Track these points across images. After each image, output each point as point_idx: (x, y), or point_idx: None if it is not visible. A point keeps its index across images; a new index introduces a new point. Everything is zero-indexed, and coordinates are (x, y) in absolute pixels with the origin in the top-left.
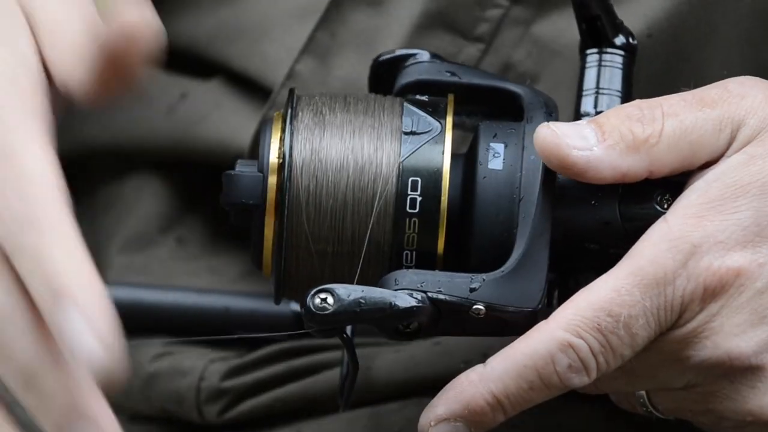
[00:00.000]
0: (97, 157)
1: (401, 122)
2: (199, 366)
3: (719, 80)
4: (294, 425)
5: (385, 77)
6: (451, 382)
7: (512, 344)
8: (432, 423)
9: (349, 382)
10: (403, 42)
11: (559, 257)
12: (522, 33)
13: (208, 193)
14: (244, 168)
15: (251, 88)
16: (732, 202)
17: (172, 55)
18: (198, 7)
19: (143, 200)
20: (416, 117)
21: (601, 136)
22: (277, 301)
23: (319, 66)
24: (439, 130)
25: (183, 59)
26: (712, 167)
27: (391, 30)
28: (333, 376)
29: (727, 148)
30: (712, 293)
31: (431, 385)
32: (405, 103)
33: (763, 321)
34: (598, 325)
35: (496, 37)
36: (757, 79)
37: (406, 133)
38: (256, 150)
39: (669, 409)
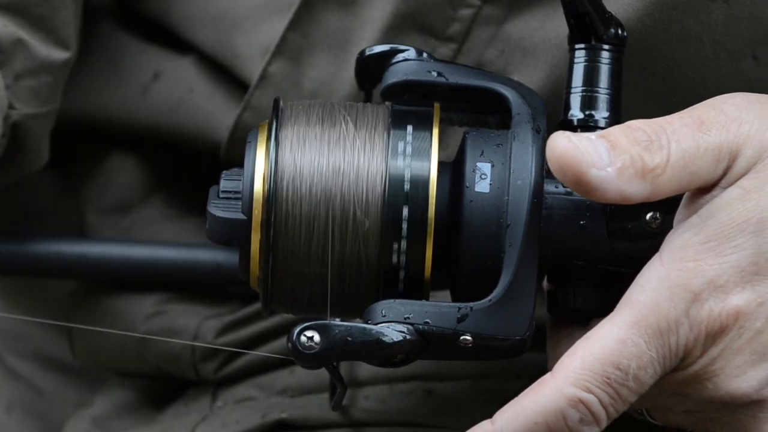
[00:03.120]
0: (73, 130)
1: (387, 155)
2: (192, 324)
3: (693, 83)
4: (288, 368)
5: (371, 71)
6: None
7: (519, 399)
8: None
9: (338, 398)
10: (376, 43)
11: (548, 272)
12: (494, 32)
13: (190, 167)
14: (228, 184)
15: (223, 74)
16: (729, 241)
17: (145, 25)
18: None
19: (124, 172)
20: (402, 138)
21: (614, 157)
22: (265, 314)
23: (292, 67)
24: (426, 143)
25: (156, 32)
26: (706, 198)
27: (363, 31)
28: None
29: (722, 177)
30: (713, 338)
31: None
32: (391, 132)
33: (763, 359)
34: (608, 378)
35: (468, 37)
36: (751, 97)
37: (392, 158)
38: (234, 151)
39: (666, 422)
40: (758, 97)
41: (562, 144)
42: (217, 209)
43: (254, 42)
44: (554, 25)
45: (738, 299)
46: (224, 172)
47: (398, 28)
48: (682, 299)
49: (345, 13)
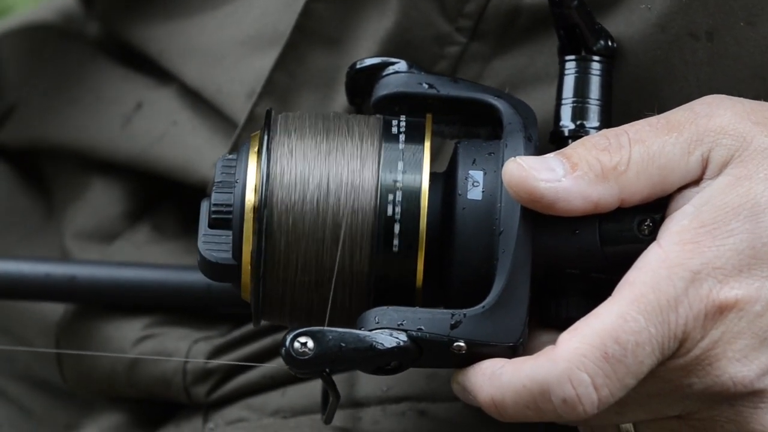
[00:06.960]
0: (56, 155)
1: (379, 166)
2: (183, 347)
3: None
4: (280, 389)
5: (362, 85)
6: (479, 363)
7: (524, 359)
8: (452, 383)
9: (330, 409)
10: None
11: (540, 281)
12: (481, 69)
13: (176, 191)
14: (220, 197)
15: (207, 107)
16: (725, 225)
17: (128, 53)
18: (150, 14)
19: (109, 199)
20: (395, 149)
21: (570, 168)
22: (257, 325)
23: (279, 107)
24: (419, 154)
25: (138, 60)
26: (695, 190)
27: None
28: None
29: (703, 171)
30: (712, 319)
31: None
32: (383, 143)
33: (764, 344)
34: (605, 353)
35: (455, 74)
36: (723, 96)
37: (384, 169)
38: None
39: None
40: (731, 97)
41: (509, 168)
42: (208, 250)
43: (236, 79)
44: (543, 62)
45: (736, 283)
46: (217, 168)
47: None
48: (681, 278)
49: (331, 53)
